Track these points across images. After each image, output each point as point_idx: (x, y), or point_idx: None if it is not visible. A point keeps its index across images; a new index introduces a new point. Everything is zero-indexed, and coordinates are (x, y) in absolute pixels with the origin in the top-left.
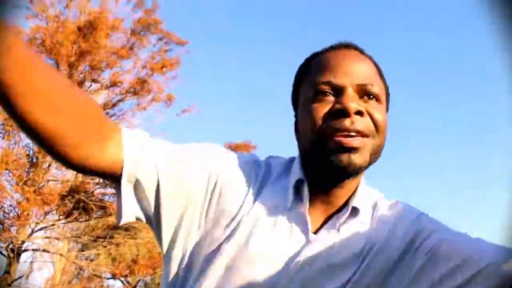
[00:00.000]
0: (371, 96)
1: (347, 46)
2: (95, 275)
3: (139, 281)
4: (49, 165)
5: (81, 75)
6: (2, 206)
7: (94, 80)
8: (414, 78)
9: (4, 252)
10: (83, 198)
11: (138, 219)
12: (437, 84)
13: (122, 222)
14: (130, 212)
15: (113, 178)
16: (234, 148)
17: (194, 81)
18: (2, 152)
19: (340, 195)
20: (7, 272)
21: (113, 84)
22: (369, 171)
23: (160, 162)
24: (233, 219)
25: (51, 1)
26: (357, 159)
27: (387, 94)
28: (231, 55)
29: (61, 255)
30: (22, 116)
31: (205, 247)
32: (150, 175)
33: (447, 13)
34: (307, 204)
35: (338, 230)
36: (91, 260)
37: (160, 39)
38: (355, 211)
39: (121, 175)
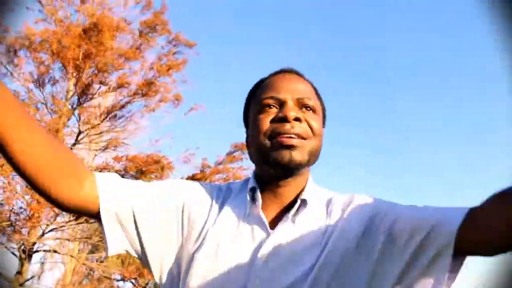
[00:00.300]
0: (308, 108)
1: (289, 70)
2: (105, 276)
3: (148, 282)
4: None
5: (89, 78)
6: (12, 208)
7: (101, 82)
8: (416, 79)
9: (16, 253)
10: None
11: (128, 252)
12: (439, 85)
13: (110, 254)
14: (116, 242)
15: (91, 215)
16: (240, 147)
17: (198, 82)
18: None
19: (289, 192)
20: (19, 272)
21: (120, 85)
22: (374, 169)
23: (132, 196)
24: (200, 233)
25: (60, 4)
26: (296, 156)
27: (324, 110)
28: (234, 55)
29: (71, 256)
30: (17, 163)
31: (183, 261)
32: (125, 207)
33: (448, 13)
34: (260, 205)
35: (293, 222)
36: (101, 262)
37: (169, 42)
38: (305, 203)
39: (98, 211)
